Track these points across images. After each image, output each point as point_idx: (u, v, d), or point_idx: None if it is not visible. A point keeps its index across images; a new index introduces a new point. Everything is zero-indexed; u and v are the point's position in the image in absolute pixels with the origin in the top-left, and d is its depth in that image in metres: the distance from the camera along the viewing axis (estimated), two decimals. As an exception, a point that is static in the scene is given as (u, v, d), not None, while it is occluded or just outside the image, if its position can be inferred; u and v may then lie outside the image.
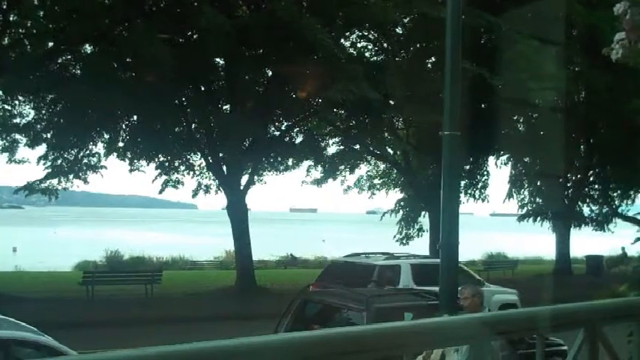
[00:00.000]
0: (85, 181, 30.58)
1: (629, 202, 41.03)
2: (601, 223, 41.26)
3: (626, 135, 28.43)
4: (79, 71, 27.79)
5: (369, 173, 43.27)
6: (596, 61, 23.31)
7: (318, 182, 37.30)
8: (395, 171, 40.95)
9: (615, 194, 41.02)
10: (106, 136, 30.16)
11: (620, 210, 41.11)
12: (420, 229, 39.09)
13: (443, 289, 9.22)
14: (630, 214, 38.56)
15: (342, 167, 37.66)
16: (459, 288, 9.12)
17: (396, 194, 42.20)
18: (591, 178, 41.04)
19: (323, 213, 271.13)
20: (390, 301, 11.50)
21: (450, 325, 2.81)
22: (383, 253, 21.82)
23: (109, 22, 26.22)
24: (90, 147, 30.30)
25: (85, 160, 30.27)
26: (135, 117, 29.84)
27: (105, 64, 25.71)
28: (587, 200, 41.89)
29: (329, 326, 10.36)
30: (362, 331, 2.68)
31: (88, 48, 28.05)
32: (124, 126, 30.43)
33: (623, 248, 40.51)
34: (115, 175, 42.13)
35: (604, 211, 41.32)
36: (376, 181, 43.78)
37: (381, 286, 16.94)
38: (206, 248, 48.95)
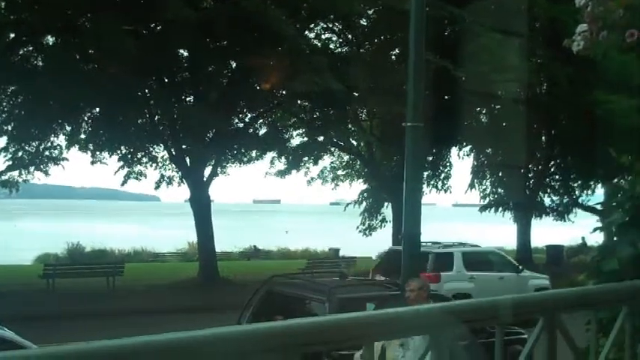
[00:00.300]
0: (47, 174, 30.38)
1: (589, 192, 41.43)
2: (561, 213, 41.66)
3: (587, 126, 28.64)
4: (41, 63, 27.49)
5: (332, 164, 43.35)
6: (558, 53, 23.48)
7: (282, 174, 37.27)
8: (358, 162, 41.05)
9: (576, 185, 41.41)
10: (68, 128, 29.89)
11: (580, 200, 41.53)
12: (383, 220, 39.26)
13: (405, 279, 9.25)
14: (590, 204, 38.96)
15: (306, 159, 37.65)
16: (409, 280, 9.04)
17: (359, 185, 42.37)
18: (552, 169, 41.40)
19: (286, 204, 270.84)
20: (352, 292, 11.53)
21: (410, 315, 2.83)
22: (434, 243, 24.19)
23: (72, 13, 25.95)
24: (51, 139, 30.02)
25: (47, 152, 29.99)
26: (97, 109, 29.59)
27: (67, 56, 25.49)
28: (548, 191, 42.24)
29: (292, 317, 10.39)
30: (322, 321, 2.68)
31: (51, 39, 27.75)
32: (86, 118, 30.17)
33: (583, 238, 40.75)
34: (77, 167, 41.81)
35: (564, 201, 41.70)
36: (340, 172, 43.85)
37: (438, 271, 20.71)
38: (169, 240, 48.75)
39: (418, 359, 2.78)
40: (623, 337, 3.66)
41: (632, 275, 4.69)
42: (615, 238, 5.27)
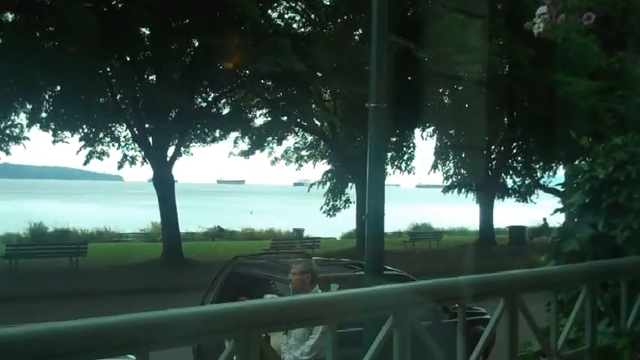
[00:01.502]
0: (7, 153, 30.00)
1: (551, 173, 41.87)
2: (524, 194, 42.06)
3: (548, 108, 28.94)
4: (0, 40, 27.10)
5: (296, 145, 43.37)
6: (520, 34, 23.66)
7: (246, 154, 37.18)
8: (322, 143, 41.09)
9: (537, 166, 41.80)
10: (29, 107, 29.56)
11: (542, 181, 41.95)
12: (347, 201, 39.39)
13: (369, 260, 9.27)
14: (552, 185, 39.35)
15: (270, 139, 37.59)
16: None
17: (323, 166, 42.45)
18: (514, 150, 41.74)
19: (251, 185, 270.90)
20: (316, 272, 11.55)
21: (373, 295, 2.85)
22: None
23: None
24: (12, 117, 29.67)
25: (7, 131, 29.64)
26: (58, 87, 29.26)
27: (27, 34, 25.12)
28: (510, 172, 42.60)
29: (256, 298, 10.39)
30: (285, 302, 2.69)
31: (10, 16, 27.33)
32: (47, 96, 29.81)
33: (544, 219, 41.23)
34: (39, 146, 41.40)
35: (526, 182, 42.10)
36: (304, 152, 43.87)
37: None
38: (132, 220, 48.51)
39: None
40: (583, 317, 3.72)
41: (591, 256, 4.75)
42: (575, 220, 5.34)
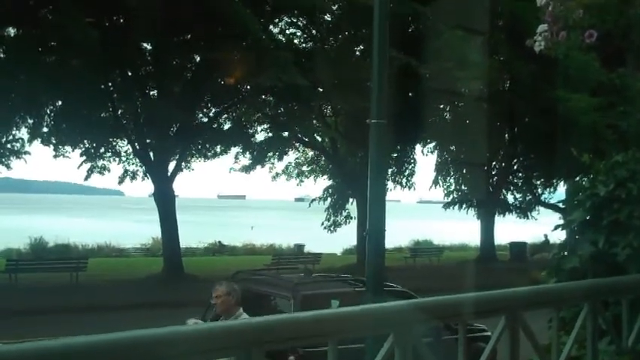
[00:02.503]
0: (8, 167, 30.06)
1: (552, 189, 41.83)
2: (524, 210, 42.03)
3: (549, 124, 28.93)
4: (1, 55, 27.15)
5: (297, 160, 43.39)
6: (521, 50, 23.65)
7: (247, 169, 37.20)
8: (323, 158, 41.07)
9: (538, 182, 41.76)
10: (30, 122, 29.59)
11: (542, 198, 41.90)
12: (348, 216, 39.32)
13: (369, 276, 9.26)
14: (552, 201, 39.31)
15: (271, 154, 37.61)
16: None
17: (324, 181, 42.40)
18: (515, 167, 41.70)
19: (251, 200, 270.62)
20: (316, 288, 11.55)
21: (374, 312, 2.84)
22: None
23: (34, 4, 25.66)
24: (13, 132, 29.71)
25: (8, 146, 29.67)
26: (59, 102, 29.31)
27: (29, 48, 25.17)
28: (511, 188, 42.58)
29: (257, 314, 10.38)
30: (286, 319, 2.69)
31: (12, 31, 27.40)
32: (48, 111, 29.88)
33: (545, 235, 41.10)
34: (40, 160, 41.41)
35: (527, 198, 42.06)
36: (304, 168, 43.87)
37: None
38: (133, 235, 48.44)
39: (380, 357, 2.78)
40: (585, 335, 3.71)
41: (592, 273, 4.74)
42: (576, 237, 5.34)
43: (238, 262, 31.70)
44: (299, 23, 33.40)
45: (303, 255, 38.79)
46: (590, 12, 5.11)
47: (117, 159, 32.34)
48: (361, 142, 24.97)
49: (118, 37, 25.52)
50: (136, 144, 30.24)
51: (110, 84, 29.43)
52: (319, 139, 38.72)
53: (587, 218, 5.20)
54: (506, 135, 39.89)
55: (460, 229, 53.10)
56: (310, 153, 42.48)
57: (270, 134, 35.03)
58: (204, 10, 24.58)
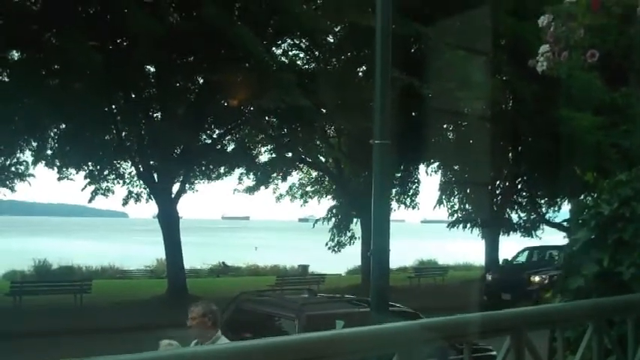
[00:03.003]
0: (12, 190, 30.08)
1: (556, 208, 41.80)
2: (529, 229, 41.92)
3: (552, 143, 28.95)
4: (5, 78, 27.26)
5: (301, 181, 43.41)
6: (523, 70, 23.67)
7: (251, 190, 37.22)
8: (327, 178, 41.12)
9: (542, 201, 41.72)
10: (34, 144, 29.65)
11: (547, 216, 41.84)
12: (352, 237, 39.28)
13: (374, 296, 9.26)
14: (557, 220, 39.26)
15: (274, 175, 37.65)
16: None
17: (328, 202, 42.39)
18: (519, 186, 41.65)
19: (255, 221, 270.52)
20: (321, 309, 11.53)
21: (377, 332, 2.84)
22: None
23: (38, 27, 25.78)
24: (17, 155, 29.76)
25: (12, 168, 29.72)
26: (63, 125, 29.38)
27: (32, 71, 25.26)
28: (516, 207, 42.50)
29: (261, 335, 10.35)
30: (292, 340, 2.69)
31: (15, 54, 27.52)
32: (52, 134, 29.95)
33: (550, 254, 41.18)
34: (44, 183, 41.49)
35: (532, 217, 41.99)
36: (308, 188, 43.89)
37: None
38: (137, 257, 48.46)
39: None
40: (590, 355, 3.70)
41: (597, 293, 4.74)
42: (572, 257, 5.33)
43: (242, 283, 31.66)
44: (302, 45, 33.50)
45: (308, 275, 38.73)
46: (591, 32, 5.14)
47: (121, 181, 32.38)
48: (365, 162, 25.03)
49: (121, 60, 25.61)
50: (140, 166, 30.28)
51: (114, 106, 29.49)
52: (323, 159, 38.76)
53: (592, 237, 5.20)
54: (510, 154, 39.89)
55: (464, 249, 53.01)
56: (314, 173, 42.53)
57: (274, 155, 35.08)
58: (207, 32, 24.68)
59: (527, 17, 24.11)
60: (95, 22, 25.96)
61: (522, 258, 34.59)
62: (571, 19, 5.18)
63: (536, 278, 28.21)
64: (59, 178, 30.75)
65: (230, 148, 33.01)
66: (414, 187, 40.44)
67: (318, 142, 34.90)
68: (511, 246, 44.67)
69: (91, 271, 40.83)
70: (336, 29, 31.38)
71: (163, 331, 20.36)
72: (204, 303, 7.92)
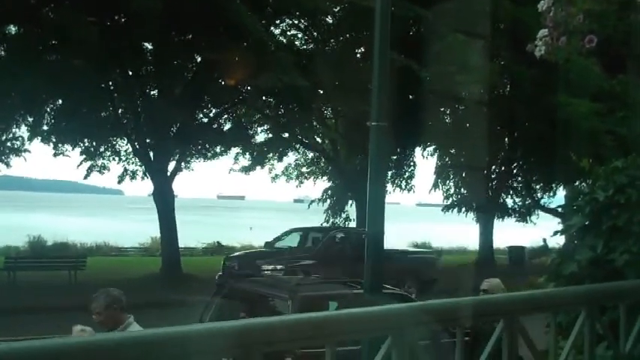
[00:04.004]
0: (8, 165, 30.05)
1: (551, 194, 41.89)
2: (524, 214, 42.01)
3: (549, 129, 28.96)
4: (2, 53, 27.16)
5: (297, 161, 43.37)
6: (522, 55, 23.64)
7: (246, 170, 37.22)
8: (323, 160, 41.07)
9: (537, 186, 41.79)
10: (30, 120, 29.57)
11: (542, 202, 41.91)
12: (347, 218, 39.30)
13: (367, 278, 9.27)
14: (552, 206, 39.33)
15: (270, 155, 37.65)
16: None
17: (323, 183, 42.40)
18: (514, 171, 41.70)
19: (251, 200, 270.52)
20: (315, 290, 11.56)
21: (371, 314, 2.85)
22: None
23: (35, 2, 25.66)
24: (13, 130, 29.71)
25: (8, 144, 29.67)
26: (60, 101, 29.30)
27: (30, 47, 25.16)
28: (511, 192, 42.56)
29: (255, 315, 10.38)
30: (284, 320, 2.69)
31: (13, 29, 27.40)
32: (48, 109, 29.85)
33: (544, 240, 41.13)
34: (39, 159, 41.39)
35: (526, 202, 42.06)
36: (304, 169, 43.86)
37: None
38: (132, 234, 48.40)
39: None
40: (582, 340, 3.72)
41: (590, 279, 4.75)
42: (575, 242, 5.34)
43: (237, 263, 31.63)
44: (300, 25, 33.41)
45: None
46: (590, 17, 5.13)
47: (117, 158, 32.37)
48: (361, 144, 24.98)
49: (119, 37, 25.52)
50: (136, 143, 30.24)
51: (110, 83, 29.42)
52: (319, 140, 38.74)
53: (586, 223, 5.22)
54: (506, 139, 39.90)
55: (459, 233, 53.06)
56: (310, 154, 42.48)
57: (270, 135, 35.06)
58: (206, 11, 24.58)
59: (527, 1, 24.04)
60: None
61: (290, 241, 29.07)
62: (571, 4, 5.17)
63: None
64: (55, 154, 30.71)
65: (227, 127, 33.01)
66: (409, 170, 40.46)
67: (314, 123, 34.86)
68: (506, 231, 44.81)
69: (86, 248, 40.79)
70: (336, 10, 31.26)
71: (157, 309, 20.44)
72: (104, 293, 7.26)
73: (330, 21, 32.68)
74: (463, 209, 42.03)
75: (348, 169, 36.53)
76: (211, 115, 32.23)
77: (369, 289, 9.17)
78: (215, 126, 32.17)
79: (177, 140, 29.97)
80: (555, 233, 5.65)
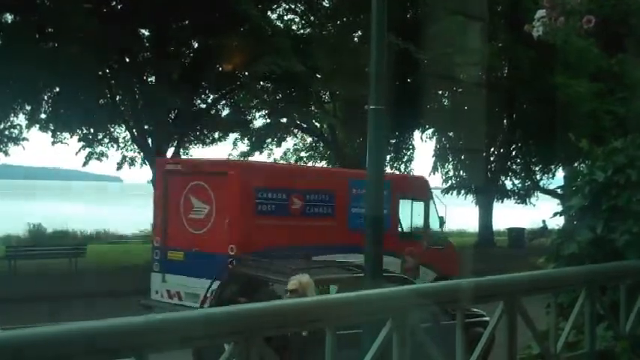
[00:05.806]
0: (6, 154, 29.94)
1: (550, 175, 41.89)
2: (523, 196, 42.06)
3: (548, 110, 28.92)
4: (-1, 41, 27.09)
5: (295, 146, 43.27)
6: (520, 37, 23.63)
7: (245, 155, 37.14)
8: (322, 144, 41.02)
9: (537, 168, 41.78)
10: (28, 108, 29.47)
11: (541, 183, 41.93)
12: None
13: (368, 262, 9.26)
14: (551, 187, 39.35)
15: (269, 140, 37.55)
16: None
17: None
18: (514, 153, 41.70)
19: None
20: (314, 274, 11.54)
21: (373, 298, 2.85)
22: None
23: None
24: (11, 118, 29.61)
25: (6, 132, 29.58)
26: (57, 88, 29.18)
27: (27, 35, 25.07)
28: (510, 174, 42.57)
29: (255, 299, 10.38)
30: (284, 305, 2.69)
31: (9, 17, 27.29)
32: (46, 97, 29.72)
33: (543, 221, 41.28)
34: (38, 147, 41.34)
35: (526, 184, 42.08)
36: (303, 154, 43.76)
37: None
38: (131, 222, 48.36)
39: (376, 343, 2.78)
40: (583, 320, 3.72)
41: (591, 259, 4.75)
42: (575, 222, 5.34)
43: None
44: (297, 9, 33.30)
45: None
46: (589, -3, 5.11)
47: (115, 145, 32.27)
48: (360, 128, 24.96)
49: (116, 24, 25.42)
50: (134, 130, 30.15)
51: (108, 70, 29.29)
52: (318, 125, 38.65)
53: (586, 204, 5.20)
54: (505, 121, 39.89)
55: (458, 215, 53.05)
56: (309, 139, 42.39)
57: (269, 120, 34.94)
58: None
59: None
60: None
61: None
62: (569, -15, 5.14)
63: None
64: (53, 142, 30.62)
65: (225, 113, 32.90)
66: (408, 153, 40.40)
67: (312, 108, 34.77)
68: (505, 212, 44.82)
69: (86, 235, 40.83)
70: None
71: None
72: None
73: (327, 5, 32.58)
74: (462, 192, 42.06)
75: (346, 153, 36.48)
76: (209, 100, 32.13)
77: (370, 272, 9.17)
78: (213, 112, 32.08)
79: (175, 126, 29.88)
80: (555, 214, 5.64)
